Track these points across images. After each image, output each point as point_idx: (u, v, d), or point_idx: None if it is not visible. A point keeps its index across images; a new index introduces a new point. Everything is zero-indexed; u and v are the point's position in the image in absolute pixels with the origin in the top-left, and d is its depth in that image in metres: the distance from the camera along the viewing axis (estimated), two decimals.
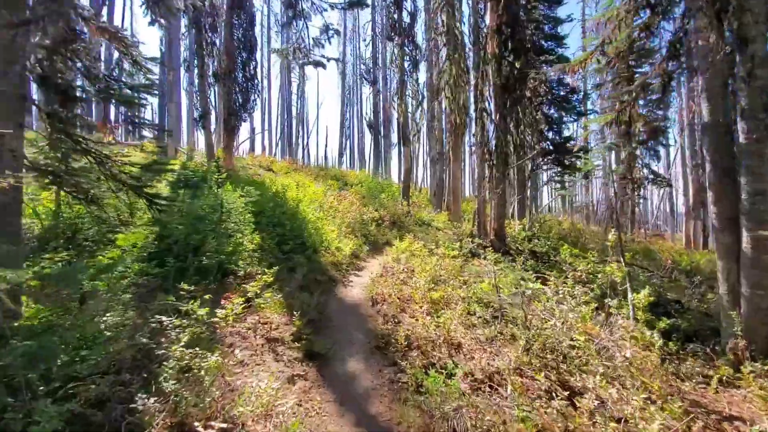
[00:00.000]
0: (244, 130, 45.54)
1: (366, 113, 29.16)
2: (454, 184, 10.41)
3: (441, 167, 19.15)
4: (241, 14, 17.48)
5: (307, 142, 42.54)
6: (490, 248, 10.09)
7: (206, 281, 5.62)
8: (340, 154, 35.71)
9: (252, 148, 38.55)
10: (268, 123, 37.21)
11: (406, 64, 16.48)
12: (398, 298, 6.16)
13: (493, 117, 9.93)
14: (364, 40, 28.50)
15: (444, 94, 10.46)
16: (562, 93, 11.97)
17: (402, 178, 17.55)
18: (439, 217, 16.24)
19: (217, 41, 16.98)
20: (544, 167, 13.71)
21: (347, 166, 35.85)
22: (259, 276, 5.96)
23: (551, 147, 11.69)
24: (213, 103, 17.44)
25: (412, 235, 12.56)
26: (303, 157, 37.00)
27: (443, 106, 16.90)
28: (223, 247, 6.41)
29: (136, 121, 5.12)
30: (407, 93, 17.00)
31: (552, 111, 12.56)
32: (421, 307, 5.84)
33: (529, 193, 14.06)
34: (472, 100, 12.76)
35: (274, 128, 40.58)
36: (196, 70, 17.16)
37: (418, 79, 16.65)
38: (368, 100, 27.66)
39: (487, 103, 10.20)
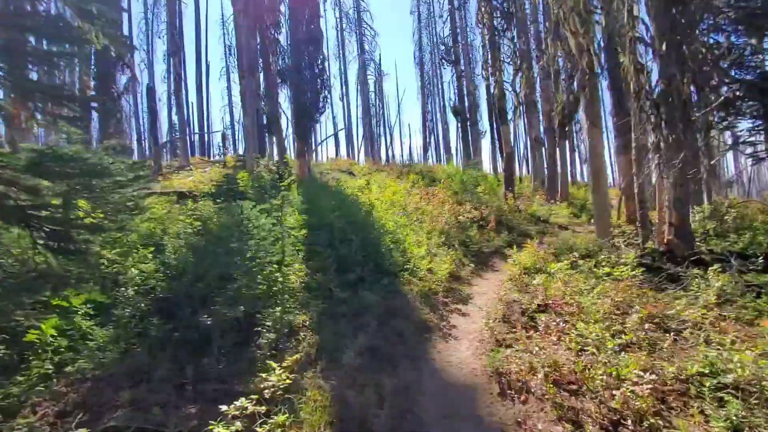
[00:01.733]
0: (322, 133, 45.50)
1: (450, 99, 26.06)
2: (597, 164, 6.97)
3: (552, 147, 15.25)
4: (305, 9, 15.87)
5: (391, 141, 40.69)
6: (669, 256, 6.46)
7: (209, 356, 3.31)
8: (425, 150, 32.94)
9: (337, 153, 37.95)
10: (347, 125, 36.10)
11: (495, 22, 13.11)
12: (555, 378, 3.17)
13: (656, 45, 6.26)
14: (441, 16, 25.46)
15: (567, 27, 7.06)
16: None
17: (503, 166, 14.15)
18: (559, 210, 12.49)
19: (281, 38, 15.57)
20: (724, 123, 9.19)
21: (434, 162, 32.91)
22: (296, 341, 3.51)
23: (738, 91, 7.44)
24: (282, 108, 16.12)
25: (530, 238, 9.27)
26: (387, 156, 35.00)
27: (555, 57, 13.04)
28: (250, 288, 4.11)
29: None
30: (500, 57, 13.58)
31: (733, 37, 8.18)
32: (622, 408, 2.77)
33: (705, 165, 9.69)
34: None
35: (354, 130, 39.51)
36: (261, 73, 15.95)
37: (514, 37, 13.23)
38: (451, 85, 24.47)
39: (639, 30, 6.54)
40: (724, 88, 7.17)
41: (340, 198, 8.99)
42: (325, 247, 6.09)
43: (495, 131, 26.96)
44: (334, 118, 41.98)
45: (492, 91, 13.95)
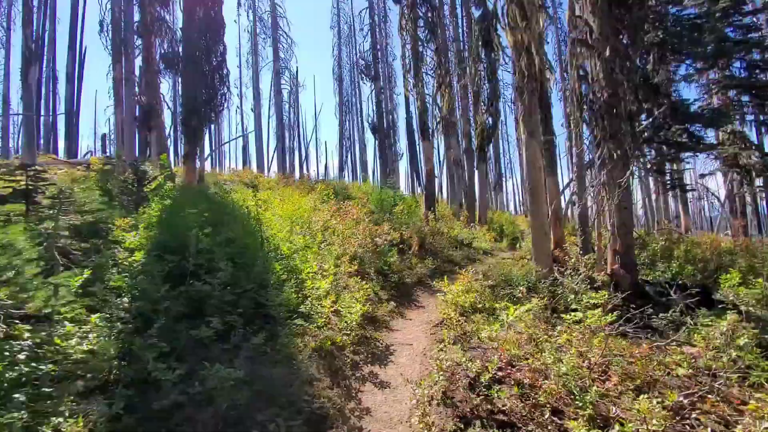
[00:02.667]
0: (230, 143, 41.61)
1: (368, 115, 25.17)
2: (534, 178, 5.95)
3: (471, 169, 14.73)
4: None
5: (306, 157, 38.54)
6: (615, 288, 5.56)
7: None
8: (341, 168, 31.44)
9: (246, 165, 34.54)
10: (258, 136, 33.19)
11: (419, 31, 12.26)
12: None
13: (600, 49, 5.48)
14: (361, 29, 24.76)
15: (506, 24, 6.09)
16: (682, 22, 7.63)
17: (424, 184, 13.10)
18: (480, 234, 11.65)
19: (168, 16, 12.95)
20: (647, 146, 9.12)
21: (350, 180, 31.54)
22: None
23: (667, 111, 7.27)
24: (165, 99, 13.32)
25: (456, 266, 8.02)
26: (301, 171, 32.71)
27: (471, 74, 12.48)
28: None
29: None
30: (423, 69, 12.72)
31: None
32: None
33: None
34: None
35: (265, 142, 36.64)
36: (139, 58, 12.97)
37: (438, 48, 12.49)
38: (370, 101, 23.54)
39: (582, 31, 5.78)
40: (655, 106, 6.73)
41: (224, 212, 6.81)
42: (174, 280, 3.96)
43: (413, 151, 26.59)
44: (245, 130, 38.72)
45: (414, 104, 12.96)
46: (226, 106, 15.84)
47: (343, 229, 7.93)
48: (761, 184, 12.01)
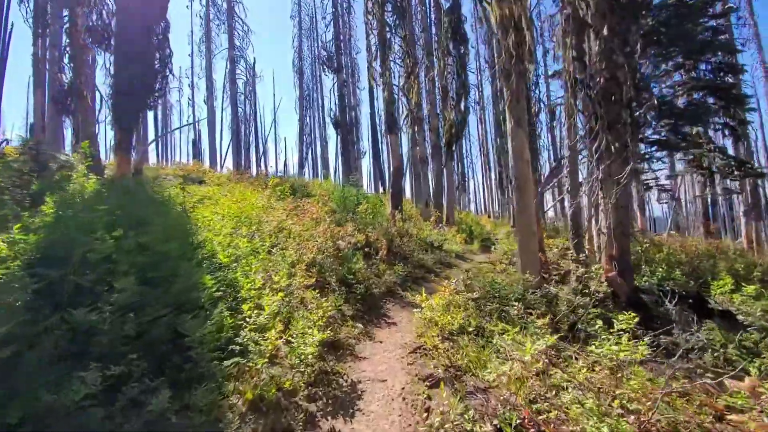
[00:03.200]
0: (182, 137, 39.07)
1: (331, 109, 23.92)
2: (522, 172, 5.19)
3: (439, 167, 13.99)
4: None
5: (263, 152, 36.62)
6: (612, 298, 4.88)
7: None
8: (301, 165, 29.89)
9: (197, 159, 32.08)
10: (211, 130, 30.95)
11: (387, 16, 11.32)
12: None
13: (598, 27, 4.79)
14: (324, 18, 23.47)
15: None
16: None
17: (389, 182, 12.17)
18: (450, 236, 10.88)
19: None
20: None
21: (310, 178, 30.11)
22: None
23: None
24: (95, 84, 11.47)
25: (430, 272, 7.17)
26: (258, 168, 30.80)
27: (440, 67, 11.71)
28: None
29: None
30: (390, 57, 11.79)
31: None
32: None
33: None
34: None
35: (219, 136, 34.44)
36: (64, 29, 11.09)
37: (405, 37, 11.60)
38: (332, 94, 22.35)
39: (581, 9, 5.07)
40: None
41: (152, 211, 5.52)
42: (54, 305, 2.75)
43: (377, 149, 25.67)
44: (196, 121, 36.16)
45: (379, 98, 12.01)
46: (167, 90, 14.25)
47: (301, 230, 6.82)
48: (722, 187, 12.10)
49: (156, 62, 11.88)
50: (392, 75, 11.80)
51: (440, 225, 12.40)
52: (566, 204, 5.54)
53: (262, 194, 10.80)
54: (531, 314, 4.03)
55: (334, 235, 6.85)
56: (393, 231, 9.03)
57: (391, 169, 12.01)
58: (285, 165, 41.04)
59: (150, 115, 32.22)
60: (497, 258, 8.67)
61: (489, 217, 29.85)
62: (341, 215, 9.52)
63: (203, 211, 6.12)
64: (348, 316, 4.97)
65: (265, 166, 36.99)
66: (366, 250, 7.29)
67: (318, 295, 4.98)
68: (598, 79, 4.91)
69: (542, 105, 15.67)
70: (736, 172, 9.98)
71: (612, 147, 4.77)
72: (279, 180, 15.43)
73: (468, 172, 37.23)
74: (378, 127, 31.59)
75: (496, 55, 10.75)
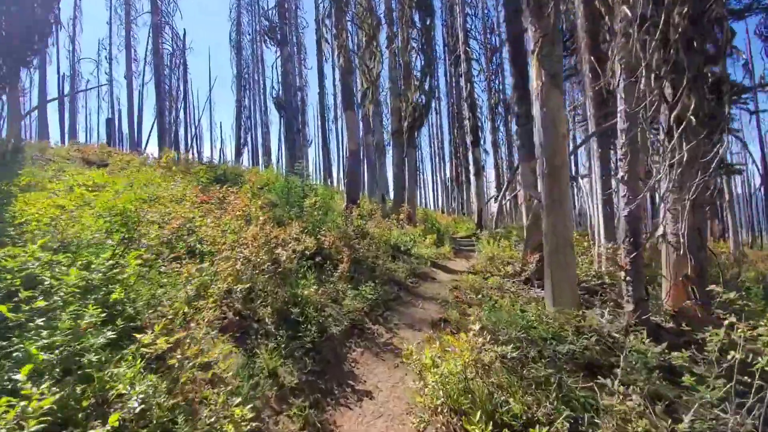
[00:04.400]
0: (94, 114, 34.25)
1: (272, 89, 21.05)
2: (557, 149, 3.46)
3: (399, 154, 12.10)
4: None
5: (196, 135, 32.57)
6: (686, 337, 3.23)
7: None
8: (238, 152, 26.54)
9: (112, 142, 27.41)
10: (129, 106, 26.59)
11: None
12: None
13: None
14: None
15: None
16: None
17: (345, 172, 10.06)
18: (418, 238, 9.04)
19: None
20: None
21: (250, 166, 26.89)
22: None
23: None
24: None
25: (403, 289, 5.24)
26: (188, 153, 26.92)
27: (404, 38, 9.78)
28: None
29: None
30: (348, 17, 9.62)
31: None
32: None
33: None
34: None
35: (143, 114, 30.14)
36: None
37: None
38: (274, 69, 19.57)
39: None
40: None
41: None
42: None
43: (326, 137, 23.30)
44: (115, 100, 31.25)
45: (336, 63, 9.81)
46: (54, 40, 11.31)
47: (219, 232, 4.55)
48: None
49: (36, 10, 8.88)
50: (349, 37, 9.65)
51: (401, 223, 10.52)
52: (618, 199, 3.79)
53: (181, 183, 8.28)
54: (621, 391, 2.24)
55: (271, 239, 4.66)
56: (350, 232, 6.98)
57: (347, 154, 9.91)
58: (221, 152, 37.10)
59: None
60: (481, 265, 6.97)
61: (443, 212, 28.69)
62: (283, 211, 7.29)
63: (41, 201, 3.65)
64: (287, 386, 2.89)
65: (198, 153, 33.03)
66: (318, 260, 5.18)
67: (234, 347, 2.86)
68: (674, 22, 3.24)
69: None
70: None
71: (699, 115, 3.15)
72: (207, 167, 12.70)
73: (419, 165, 35.94)
74: (327, 113, 29.07)
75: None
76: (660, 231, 3.82)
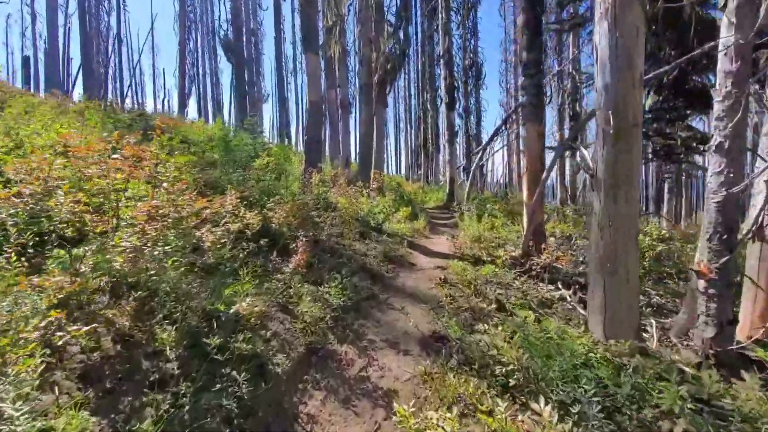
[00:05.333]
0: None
1: (221, 27, 18.16)
2: (624, 97, 2.24)
3: (368, 113, 10.51)
4: None
5: (133, 83, 28.63)
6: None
7: None
8: (182, 104, 23.35)
9: (30, 83, 23.26)
10: (51, 45, 22.48)
11: None
12: None
13: None
14: None
15: None
16: None
17: (305, 127, 8.41)
18: (387, 208, 7.74)
19: None
20: None
21: (202, 119, 23.86)
22: None
23: None
24: None
25: (379, 284, 3.96)
26: (123, 101, 23.37)
27: None
28: None
29: None
30: None
31: None
32: None
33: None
34: None
35: (66, 55, 26.05)
36: None
37: None
38: (223, 4, 16.73)
39: None
40: None
41: None
42: None
43: (283, 93, 20.89)
44: (39, 38, 26.59)
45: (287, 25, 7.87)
46: None
47: (93, 203, 2.96)
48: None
49: None
50: None
51: (369, 190, 9.13)
52: (709, 177, 2.59)
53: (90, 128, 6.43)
54: None
55: (190, 215, 3.14)
56: (310, 203, 5.53)
57: (307, 107, 8.18)
58: (168, 104, 33.20)
59: None
60: (467, 247, 5.81)
61: (407, 180, 27.42)
62: (221, 174, 5.67)
63: None
64: None
65: (140, 104, 29.19)
66: (263, 243, 3.73)
67: (95, 420, 1.47)
68: None
69: None
70: None
71: None
72: (135, 115, 10.49)
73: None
74: (286, 63, 26.34)
75: None
76: (752, 222, 2.76)
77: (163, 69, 63.62)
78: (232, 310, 2.48)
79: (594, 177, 2.74)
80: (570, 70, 12.98)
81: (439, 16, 13.98)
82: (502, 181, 33.06)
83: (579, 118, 13.79)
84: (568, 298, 3.88)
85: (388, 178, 16.36)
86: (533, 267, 4.43)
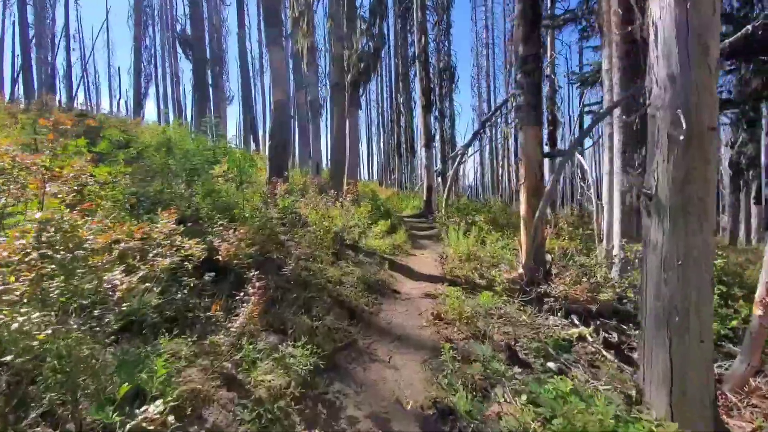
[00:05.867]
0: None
1: (177, 21, 16.75)
2: (694, 91, 1.62)
3: (340, 114, 9.69)
4: None
5: (83, 80, 26.45)
6: None
7: None
8: (138, 104, 21.65)
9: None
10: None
11: None
12: None
13: None
14: None
15: None
16: None
17: (268, 131, 7.56)
18: (361, 219, 6.96)
19: None
20: None
21: (155, 123, 22.11)
22: None
23: None
24: None
25: (363, 326, 3.10)
26: (72, 101, 21.26)
27: None
28: None
29: None
30: None
31: None
32: None
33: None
34: None
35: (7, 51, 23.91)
36: None
37: None
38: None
39: None
40: None
41: None
42: None
43: (248, 93, 19.66)
44: None
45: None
46: None
47: None
48: None
49: None
50: None
51: (341, 201, 8.29)
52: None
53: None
54: None
55: (100, 248, 2.23)
56: (274, 219, 4.66)
57: (272, 107, 7.24)
58: (125, 105, 30.99)
59: None
60: (457, 268, 5.10)
61: (381, 186, 26.65)
62: (163, 186, 4.70)
63: None
64: None
65: (96, 105, 27.06)
66: (208, 278, 2.84)
67: None
68: None
69: None
70: None
71: None
72: (73, 116, 9.20)
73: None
74: (252, 63, 25.14)
75: None
76: None
77: (119, 68, 60.02)
78: (137, 414, 1.60)
79: (653, 198, 2.07)
80: (548, 73, 12.65)
81: (415, 15, 13.35)
82: (473, 185, 32.96)
83: (557, 124, 13.54)
84: (588, 338, 3.23)
85: (362, 185, 15.53)
86: (545, 300, 3.76)
